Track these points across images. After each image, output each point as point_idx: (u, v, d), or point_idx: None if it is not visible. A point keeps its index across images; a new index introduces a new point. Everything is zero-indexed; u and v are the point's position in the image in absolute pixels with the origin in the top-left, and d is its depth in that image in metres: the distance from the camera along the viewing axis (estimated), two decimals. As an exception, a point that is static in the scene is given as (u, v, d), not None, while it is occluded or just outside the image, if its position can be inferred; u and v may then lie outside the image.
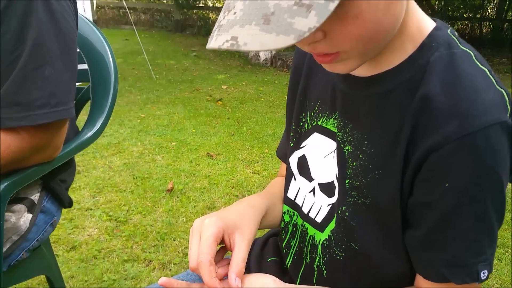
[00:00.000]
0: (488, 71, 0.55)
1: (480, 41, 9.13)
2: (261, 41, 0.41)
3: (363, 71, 0.63)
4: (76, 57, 0.93)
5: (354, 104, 0.64)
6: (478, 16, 10.07)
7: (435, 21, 0.61)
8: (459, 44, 0.58)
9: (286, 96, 0.83)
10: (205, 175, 2.73)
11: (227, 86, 5.24)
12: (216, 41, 0.45)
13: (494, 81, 0.54)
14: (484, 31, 9.98)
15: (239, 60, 7.11)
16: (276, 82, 5.58)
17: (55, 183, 1.08)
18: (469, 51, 0.57)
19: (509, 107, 0.53)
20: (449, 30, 0.60)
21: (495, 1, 10.17)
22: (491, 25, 9.77)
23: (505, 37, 8.23)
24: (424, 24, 0.59)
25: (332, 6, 0.39)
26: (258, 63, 6.75)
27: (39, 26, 0.82)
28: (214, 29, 0.47)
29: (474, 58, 0.56)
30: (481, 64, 0.56)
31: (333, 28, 0.47)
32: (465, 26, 10.27)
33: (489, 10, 10.36)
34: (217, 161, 2.96)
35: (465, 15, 10.03)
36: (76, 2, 0.95)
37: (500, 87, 0.54)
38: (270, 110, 4.25)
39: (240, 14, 0.44)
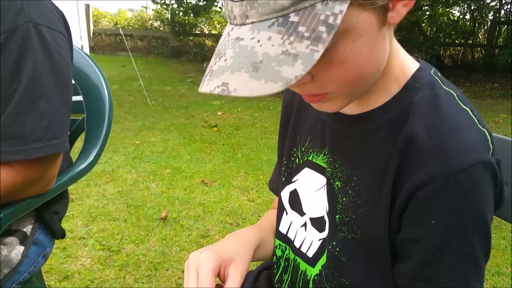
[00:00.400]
0: (471, 111, 0.57)
1: (472, 66, 9.29)
2: (250, 88, 0.43)
3: (351, 109, 0.65)
4: (71, 91, 0.94)
5: (343, 140, 0.66)
6: (470, 42, 10.28)
7: (418, 61, 0.63)
8: (442, 85, 0.60)
9: (281, 122, 0.85)
10: (200, 203, 2.72)
11: (223, 112, 5.28)
12: (207, 85, 0.47)
13: (476, 120, 0.56)
14: (476, 56, 10.16)
15: (235, 86, 7.18)
16: (271, 108, 5.63)
17: (48, 215, 1.08)
18: (452, 91, 0.59)
19: (491, 146, 0.54)
20: (432, 71, 0.62)
21: (486, 27, 10.40)
22: (483, 51, 9.95)
23: (497, 63, 8.36)
24: (407, 65, 0.62)
25: (317, 55, 0.42)
26: (253, 89, 6.82)
27: (35, 62, 0.84)
28: (205, 73, 0.49)
29: (457, 98, 0.58)
30: (464, 104, 0.58)
31: (320, 71, 0.50)
32: (457, 52, 10.47)
33: (480, 36, 10.59)
34: (211, 188, 2.95)
35: (457, 41, 10.24)
36: (71, 38, 0.97)
37: (482, 127, 0.56)
38: (265, 136, 4.27)
39: (231, 61, 0.46)
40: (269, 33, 0.45)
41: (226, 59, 0.47)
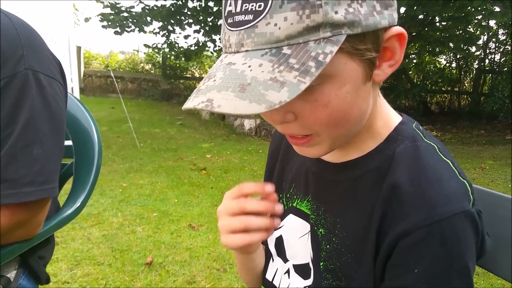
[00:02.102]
0: (452, 163, 0.59)
1: (459, 113, 9.50)
2: (234, 105, 0.45)
3: (334, 158, 0.67)
4: (64, 137, 0.95)
5: (326, 188, 0.68)
6: (456, 89, 10.58)
7: (401, 115, 0.67)
8: (423, 138, 0.63)
9: (269, 166, 0.87)
10: (186, 247, 2.68)
11: (212, 155, 5.29)
12: (192, 102, 0.49)
13: (457, 172, 0.58)
14: (462, 103, 10.43)
15: (224, 129, 7.25)
16: (261, 151, 5.66)
17: (33, 260, 1.06)
18: (433, 144, 0.62)
19: (471, 196, 0.56)
20: (414, 125, 0.65)
21: (471, 75, 10.76)
22: (469, 98, 10.23)
23: (482, 110, 8.59)
24: (391, 118, 0.65)
25: (303, 86, 0.45)
26: (243, 132, 6.88)
27: (31, 107, 0.86)
28: (192, 93, 0.52)
29: (438, 150, 0.61)
30: (445, 157, 0.60)
31: (304, 112, 0.53)
32: (444, 99, 10.75)
33: (466, 84, 10.92)
34: (199, 233, 2.92)
35: (443, 88, 10.54)
36: (66, 86, 1.00)
37: (462, 178, 0.58)
38: (254, 180, 4.28)
39: (219, 82, 0.49)
40: (260, 61, 0.48)
41: (215, 80, 0.49)
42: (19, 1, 2.96)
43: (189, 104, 0.50)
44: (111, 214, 3.13)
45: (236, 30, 0.50)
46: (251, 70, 0.47)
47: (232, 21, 0.51)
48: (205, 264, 2.49)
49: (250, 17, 0.48)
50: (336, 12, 0.47)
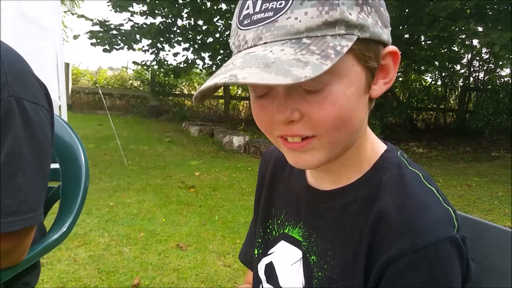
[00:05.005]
0: (436, 190, 0.61)
1: (445, 130, 9.66)
2: (260, 76, 0.45)
3: (324, 185, 0.68)
4: (49, 164, 0.94)
5: (317, 215, 0.68)
6: (442, 106, 10.77)
7: (386, 144, 0.69)
8: (408, 165, 0.64)
9: (259, 183, 0.87)
10: (174, 269, 2.64)
11: (200, 172, 5.27)
12: (212, 80, 0.49)
13: (441, 199, 0.59)
14: (448, 120, 10.61)
15: (213, 146, 7.24)
16: (249, 168, 5.65)
17: (18, 287, 1.04)
18: (417, 171, 0.63)
19: (455, 223, 0.57)
20: (398, 153, 0.67)
21: (456, 93, 10.96)
22: (454, 115, 10.41)
23: (468, 127, 8.73)
24: (377, 145, 0.67)
25: (326, 67, 0.47)
26: (232, 150, 6.88)
27: (15, 136, 0.85)
28: (208, 79, 0.51)
29: (422, 178, 0.62)
30: (429, 184, 0.61)
31: (312, 109, 0.54)
32: (429, 116, 10.92)
33: (452, 101, 11.12)
34: (187, 253, 2.88)
35: (429, 106, 10.71)
36: (53, 111, 0.99)
37: (447, 205, 0.59)
38: (243, 198, 4.26)
39: (240, 64, 0.49)
40: (282, 47, 0.49)
41: (234, 63, 0.50)
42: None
43: (208, 82, 0.50)
44: (98, 234, 3.08)
45: (254, 27, 0.52)
46: (273, 54, 0.49)
47: (249, 21, 0.53)
48: (193, 286, 2.45)
49: (270, 13, 0.51)
50: (350, 14, 0.52)
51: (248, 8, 0.53)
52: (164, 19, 9.13)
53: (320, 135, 0.56)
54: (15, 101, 0.85)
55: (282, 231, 0.76)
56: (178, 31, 9.27)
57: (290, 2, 0.50)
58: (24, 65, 0.92)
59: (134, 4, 8.64)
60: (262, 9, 0.52)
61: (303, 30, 0.50)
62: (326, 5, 0.50)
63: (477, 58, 10.48)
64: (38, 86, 0.93)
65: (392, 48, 0.59)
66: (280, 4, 0.50)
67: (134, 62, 10.04)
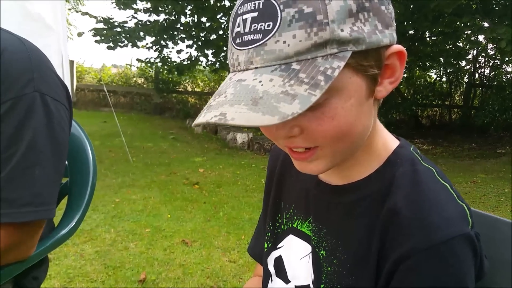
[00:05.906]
0: (449, 186, 0.60)
1: (450, 127, 9.58)
2: (247, 117, 0.46)
3: (335, 180, 0.67)
4: (64, 162, 0.96)
5: (327, 210, 0.68)
6: (447, 103, 10.68)
7: (399, 139, 0.68)
8: (421, 161, 0.63)
9: (262, 180, 0.87)
10: (180, 264, 2.65)
11: (204, 169, 5.27)
12: (204, 117, 0.50)
13: (455, 195, 0.59)
14: (453, 117, 10.52)
15: (217, 143, 7.24)
16: (253, 165, 5.65)
17: (28, 281, 1.05)
18: (431, 167, 0.63)
19: (470, 219, 0.57)
20: (411, 148, 0.66)
21: (462, 89, 10.88)
22: (459, 112, 10.32)
23: (473, 123, 8.65)
24: (389, 141, 0.66)
25: (314, 98, 0.46)
26: (235, 146, 6.88)
27: (36, 130, 0.86)
28: (203, 109, 0.52)
29: (436, 174, 0.62)
30: (443, 180, 0.61)
31: (311, 125, 0.53)
32: (434, 113, 10.83)
33: (457, 98, 11.03)
34: (192, 249, 2.89)
35: (434, 102, 10.62)
36: (71, 111, 1.00)
37: (461, 201, 0.59)
38: (247, 194, 4.26)
39: (231, 97, 0.49)
40: (271, 76, 0.49)
41: (226, 95, 0.50)
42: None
43: (201, 119, 0.50)
44: (104, 230, 3.10)
45: (245, 49, 0.51)
46: (262, 85, 0.48)
47: (240, 41, 0.52)
48: (198, 281, 2.46)
49: (259, 36, 0.50)
50: (342, 30, 0.49)
51: (239, 26, 0.52)
52: (167, 16, 9.11)
53: (322, 146, 0.56)
54: (40, 96, 0.87)
55: (290, 225, 0.76)
56: (181, 28, 9.25)
57: (278, 23, 0.48)
58: (49, 65, 0.95)
59: (138, 1, 8.63)
60: (251, 30, 0.50)
61: (292, 55, 0.49)
62: (315, 25, 0.48)
63: (483, 54, 10.38)
64: (60, 86, 0.96)
65: (396, 48, 0.56)
66: (268, 25, 0.49)
67: (138, 60, 10.07)
